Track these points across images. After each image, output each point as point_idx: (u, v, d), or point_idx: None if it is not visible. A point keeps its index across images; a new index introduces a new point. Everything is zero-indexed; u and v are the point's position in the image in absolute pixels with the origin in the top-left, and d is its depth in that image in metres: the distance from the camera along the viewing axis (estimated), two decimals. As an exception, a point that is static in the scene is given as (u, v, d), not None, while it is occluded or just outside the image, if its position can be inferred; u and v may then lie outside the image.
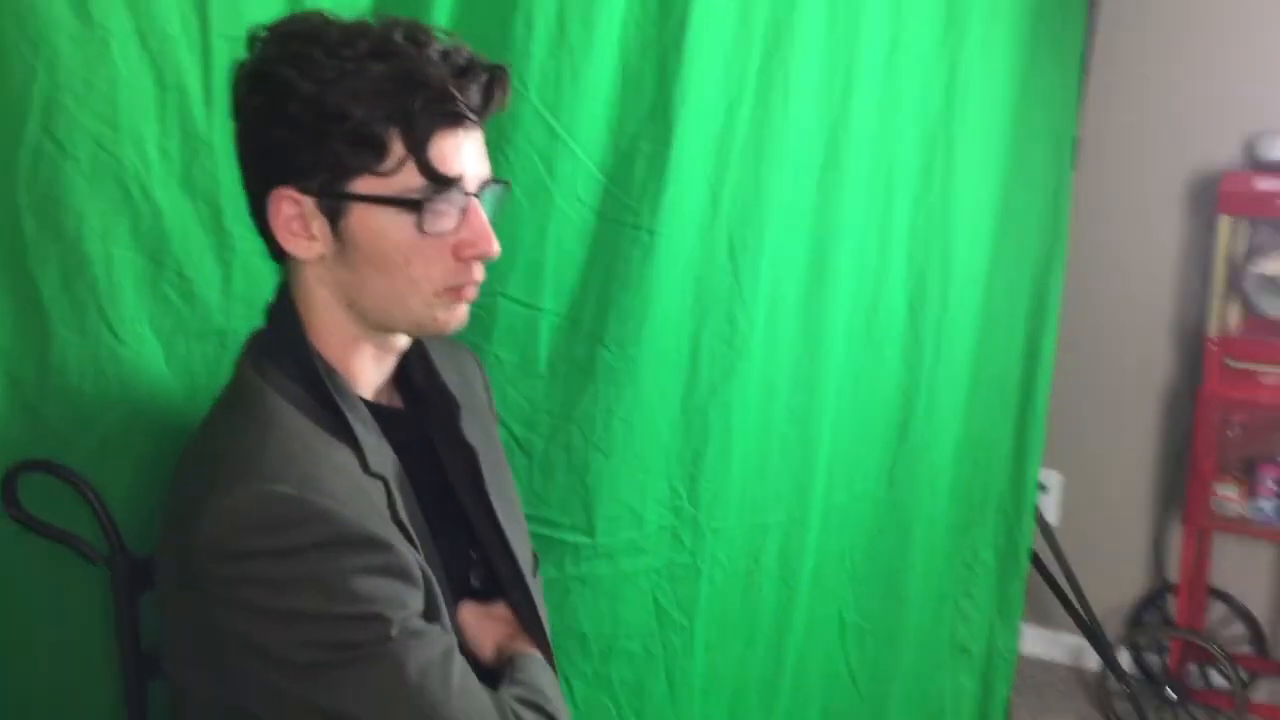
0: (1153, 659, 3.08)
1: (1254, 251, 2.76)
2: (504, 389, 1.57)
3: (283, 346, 1.09)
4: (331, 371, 1.09)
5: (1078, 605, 2.76)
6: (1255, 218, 2.71)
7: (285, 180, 1.04)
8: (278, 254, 1.11)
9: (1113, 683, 2.95)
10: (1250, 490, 2.79)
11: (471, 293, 1.10)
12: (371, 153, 1.01)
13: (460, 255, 1.07)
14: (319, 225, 1.05)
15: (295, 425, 1.04)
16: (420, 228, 1.04)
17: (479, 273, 1.09)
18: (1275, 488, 2.76)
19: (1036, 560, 2.76)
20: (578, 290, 1.63)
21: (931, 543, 2.30)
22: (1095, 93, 2.86)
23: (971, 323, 2.29)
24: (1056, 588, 2.74)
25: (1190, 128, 2.97)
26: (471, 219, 1.07)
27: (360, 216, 1.04)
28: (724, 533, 1.88)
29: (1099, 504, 3.26)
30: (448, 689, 1.00)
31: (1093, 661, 3.23)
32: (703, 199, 1.71)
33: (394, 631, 0.97)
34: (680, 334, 1.74)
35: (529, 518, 1.44)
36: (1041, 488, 3.35)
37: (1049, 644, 3.30)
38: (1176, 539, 3.12)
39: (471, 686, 1.03)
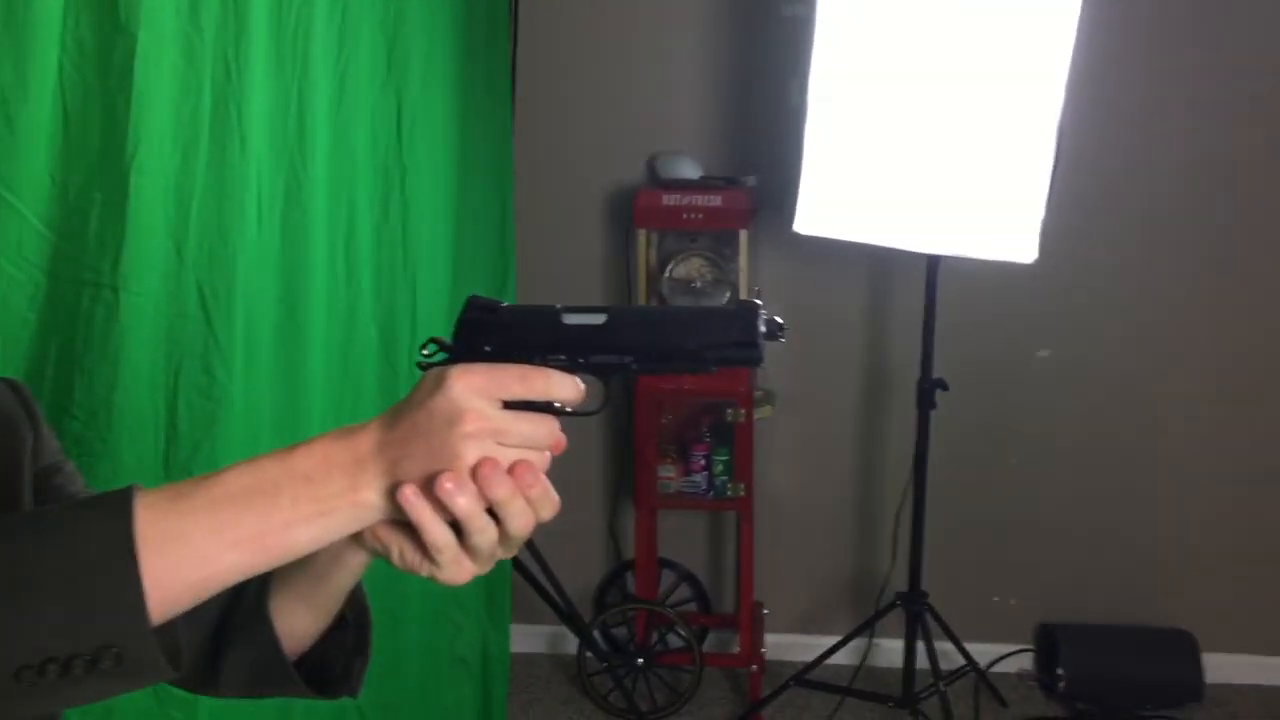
0: (620, 632, 3.39)
1: (665, 258, 3.12)
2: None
3: None
4: None
5: (556, 596, 2.96)
6: (665, 229, 3.06)
7: None
8: None
9: (590, 663, 3.21)
10: (685, 469, 3.15)
11: None
12: None
13: None
14: None
15: None
16: None
17: None
18: (704, 463, 3.15)
19: (514, 560, 2.92)
20: (35, 359, 1.48)
21: (423, 564, 2.36)
22: (522, 123, 3.08)
23: (439, 348, 2.37)
24: (536, 583, 2.92)
25: (605, 151, 3.29)
26: None
27: None
28: (221, 592, 1.79)
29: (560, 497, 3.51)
30: None
31: (568, 647, 3.48)
32: (166, 248, 1.62)
33: None
34: (155, 393, 1.64)
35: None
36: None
37: (527, 638, 3.49)
38: (628, 520, 3.45)
39: None
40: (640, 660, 3.18)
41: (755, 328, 0.85)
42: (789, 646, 3.45)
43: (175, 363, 1.67)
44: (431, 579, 0.87)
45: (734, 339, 0.85)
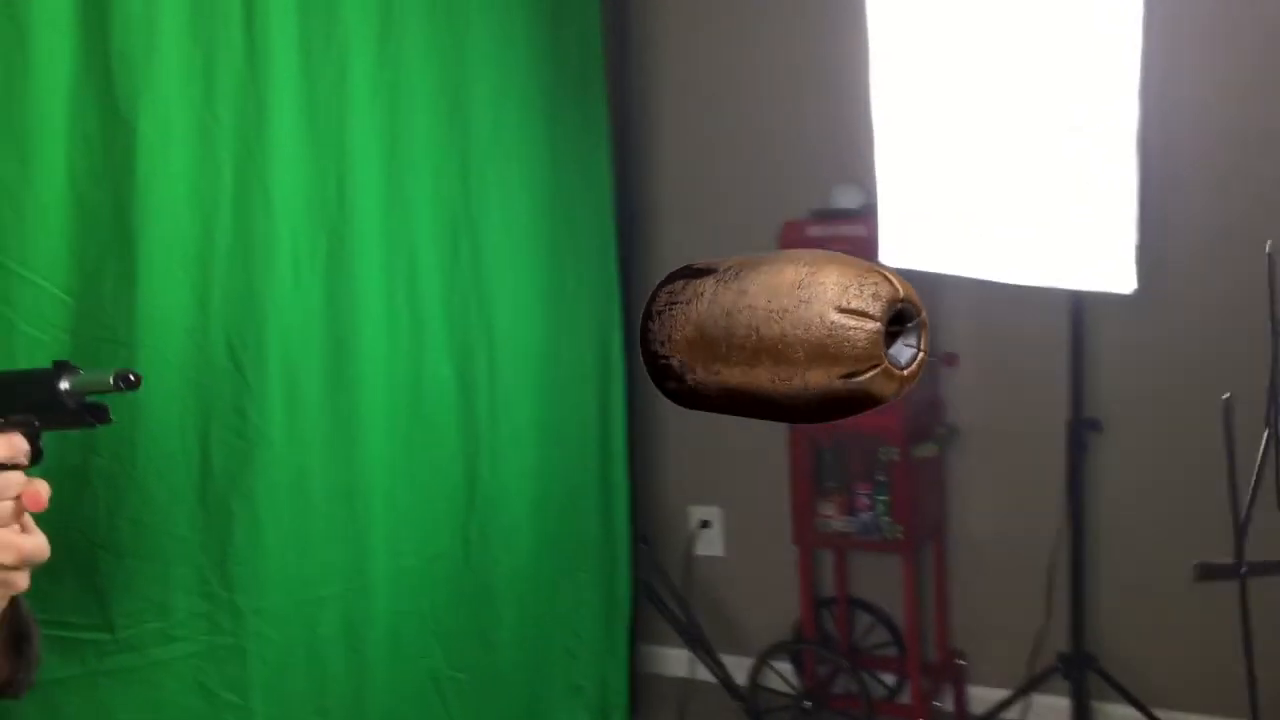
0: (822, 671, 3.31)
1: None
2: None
3: None
4: None
5: (691, 630, 2.97)
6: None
7: None
8: None
9: (764, 699, 3.17)
10: (849, 506, 3.04)
11: None
12: None
13: None
14: None
15: None
16: None
17: None
18: (869, 501, 3.02)
19: (654, 595, 2.97)
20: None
21: (518, 592, 2.48)
22: (679, 163, 3.13)
23: (530, 387, 2.48)
24: (673, 617, 2.95)
25: (780, 183, 3.27)
26: None
27: None
28: (269, 611, 2.00)
29: (755, 533, 3.51)
30: None
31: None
32: (187, 306, 1.86)
33: None
34: (186, 433, 1.88)
35: (43, 621, 1.46)
36: (705, 524, 3.60)
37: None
38: (825, 559, 3.37)
39: None
40: (808, 703, 3.10)
41: (57, 391, 0.83)
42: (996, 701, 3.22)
43: (204, 406, 1.90)
44: None
45: (38, 400, 0.84)
